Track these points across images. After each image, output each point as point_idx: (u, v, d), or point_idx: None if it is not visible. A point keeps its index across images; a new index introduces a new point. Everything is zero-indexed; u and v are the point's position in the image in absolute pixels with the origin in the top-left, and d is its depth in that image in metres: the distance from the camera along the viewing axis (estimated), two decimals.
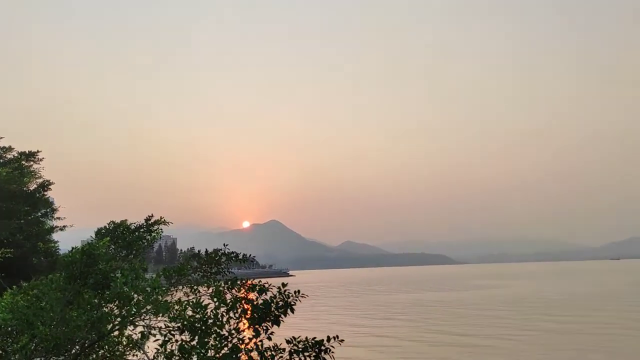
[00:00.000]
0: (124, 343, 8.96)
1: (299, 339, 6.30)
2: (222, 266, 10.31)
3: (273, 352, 6.24)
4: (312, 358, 6.19)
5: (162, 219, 10.18)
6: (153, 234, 10.02)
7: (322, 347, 6.20)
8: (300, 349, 6.22)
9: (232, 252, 10.45)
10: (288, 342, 6.32)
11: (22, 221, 23.94)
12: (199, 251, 10.50)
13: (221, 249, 10.43)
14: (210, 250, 10.26)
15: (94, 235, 9.92)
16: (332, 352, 6.21)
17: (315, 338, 6.39)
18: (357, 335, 36.83)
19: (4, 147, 28.39)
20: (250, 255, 10.78)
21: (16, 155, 27.88)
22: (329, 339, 6.25)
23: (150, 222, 10.10)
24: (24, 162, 26.49)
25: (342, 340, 6.23)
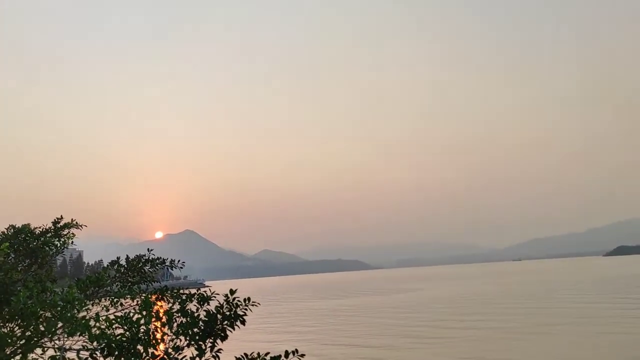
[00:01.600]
0: None
1: (251, 356, 5.28)
2: (146, 275, 9.04)
3: None
4: None
5: (74, 222, 8.69)
6: (63, 239, 8.51)
7: None
8: None
9: (158, 258, 9.21)
10: (238, 359, 5.28)
11: None
12: (118, 258, 9.13)
13: (144, 255, 9.15)
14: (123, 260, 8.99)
15: None
16: None
17: (269, 353, 5.41)
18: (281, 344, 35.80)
19: None
20: (179, 260, 9.57)
21: None
22: (287, 354, 5.29)
23: (59, 226, 8.58)
24: None
25: (302, 355, 5.30)
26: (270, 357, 5.27)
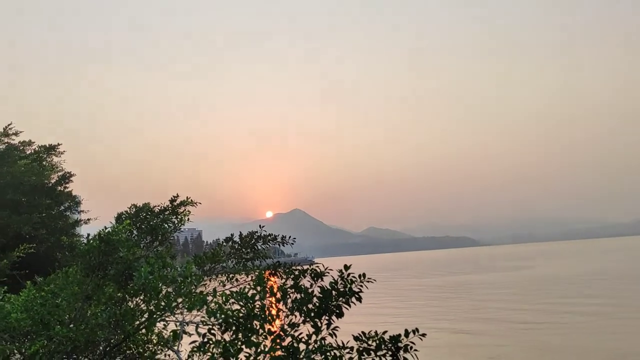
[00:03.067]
0: (154, 341, 7.82)
1: (369, 334, 4.98)
2: (259, 251, 9.09)
3: (338, 352, 4.94)
4: (389, 357, 4.87)
5: (189, 199, 8.94)
6: (180, 216, 8.79)
7: (400, 344, 4.88)
8: (372, 347, 4.91)
9: (270, 234, 9.21)
10: (356, 338, 5.00)
11: (43, 215, 23.11)
12: (232, 234, 9.28)
13: (257, 231, 9.19)
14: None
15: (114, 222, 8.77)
16: (415, 350, 4.87)
17: (386, 332, 5.08)
18: (420, 324, 35.10)
19: (24, 141, 27.66)
20: (289, 237, 9.53)
21: (36, 148, 27.13)
22: (407, 334, 4.92)
23: (175, 204, 8.86)
24: (43, 155, 25.66)
25: (424, 335, 4.91)
26: (389, 336, 4.94)
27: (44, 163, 25.39)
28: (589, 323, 30.65)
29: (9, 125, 26.56)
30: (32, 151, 26.75)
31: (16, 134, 27.11)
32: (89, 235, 7.44)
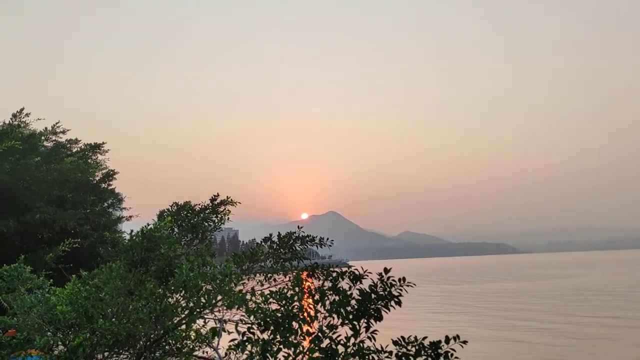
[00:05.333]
0: (193, 338, 7.92)
1: (408, 340, 4.90)
2: (297, 252, 9.09)
3: (377, 356, 4.88)
4: None
5: (229, 199, 9.03)
6: (220, 216, 8.89)
7: (440, 350, 4.78)
8: (412, 353, 4.83)
9: (308, 235, 9.20)
10: (395, 343, 4.93)
11: (88, 211, 23.78)
12: (270, 235, 9.32)
13: (295, 232, 9.20)
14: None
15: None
16: (456, 358, 4.77)
17: (426, 338, 4.99)
18: (460, 330, 34.84)
19: (71, 139, 28.54)
20: (327, 238, 9.51)
21: (82, 147, 27.96)
22: (447, 340, 4.82)
23: (216, 203, 8.97)
24: (88, 153, 26.42)
25: (465, 342, 4.80)
26: (429, 342, 4.86)
27: (89, 161, 26.14)
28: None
29: (56, 123, 27.47)
30: (78, 149, 27.59)
31: (63, 132, 28.02)
32: (132, 231, 7.60)
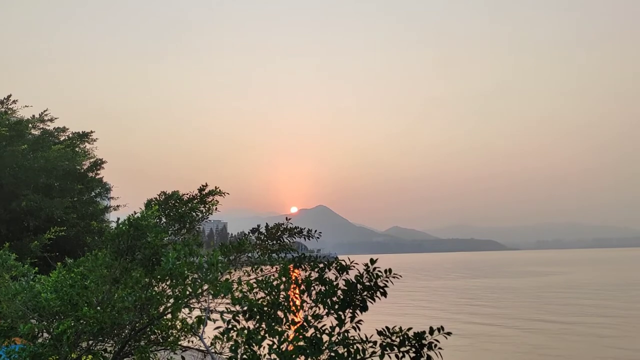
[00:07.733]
0: (178, 327, 7.91)
1: (393, 330, 4.93)
2: (285, 244, 9.08)
3: (361, 345, 4.90)
4: (412, 354, 4.81)
5: (217, 189, 9.00)
6: (208, 206, 8.86)
7: (424, 341, 4.82)
8: (396, 343, 4.85)
9: (295, 227, 9.20)
10: (379, 333, 4.96)
11: (75, 200, 23.64)
12: (258, 225, 9.31)
13: (283, 224, 9.19)
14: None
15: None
16: (439, 348, 4.80)
17: (411, 329, 5.02)
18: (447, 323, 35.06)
19: (59, 128, 28.30)
20: (315, 230, 9.51)
21: (70, 135, 27.73)
22: (432, 331, 4.85)
23: (204, 193, 8.94)
24: (76, 142, 26.23)
25: (449, 333, 4.84)
26: (413, 333, 4.88)
27: (77, 149, 25.94)
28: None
29: (44, 111, 27.21)
30: (66, 137, 27.37)
31: (51, 120, 27.77)
32: (118, 219, 7.56)
